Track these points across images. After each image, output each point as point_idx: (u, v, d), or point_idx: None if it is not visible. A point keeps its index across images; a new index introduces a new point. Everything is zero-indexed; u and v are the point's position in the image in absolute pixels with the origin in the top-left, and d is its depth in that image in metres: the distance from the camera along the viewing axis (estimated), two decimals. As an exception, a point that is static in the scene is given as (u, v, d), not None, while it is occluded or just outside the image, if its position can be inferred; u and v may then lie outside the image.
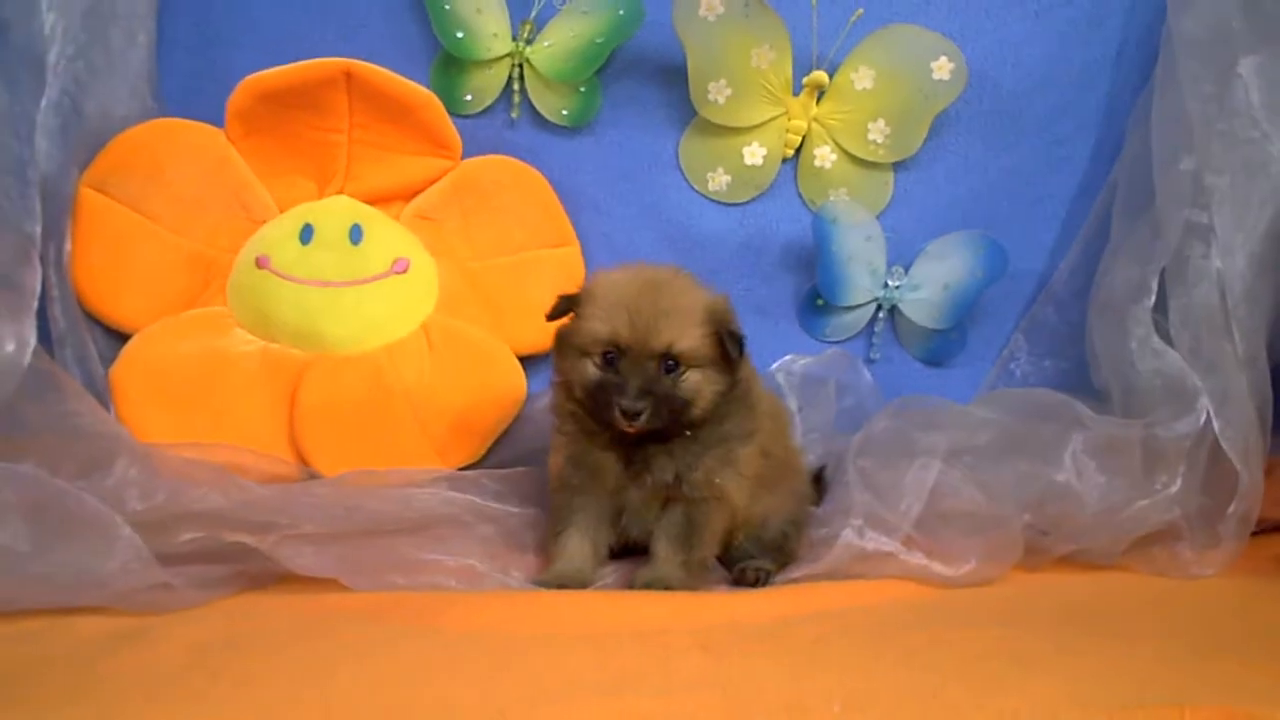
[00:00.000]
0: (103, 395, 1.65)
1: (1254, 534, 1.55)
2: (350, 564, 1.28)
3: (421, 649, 1.08)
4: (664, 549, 1.39)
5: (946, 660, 1.07)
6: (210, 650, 1.06)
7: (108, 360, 1.69)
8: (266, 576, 1.27)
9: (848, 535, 1.38)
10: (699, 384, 1.34)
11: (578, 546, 1.42)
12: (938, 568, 1.39)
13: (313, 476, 1.66)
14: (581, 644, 1.10)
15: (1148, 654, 1.10)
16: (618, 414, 1.30)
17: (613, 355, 1.33)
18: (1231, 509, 1.52)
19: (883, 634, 1.16)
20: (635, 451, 1.37)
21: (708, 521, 1.40)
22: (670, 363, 1.32)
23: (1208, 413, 1.54)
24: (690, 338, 1.32)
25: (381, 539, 1.37)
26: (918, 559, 1.39)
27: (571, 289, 1.40)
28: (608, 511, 1.43)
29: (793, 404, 1.82)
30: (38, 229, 1.51)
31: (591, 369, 1.34)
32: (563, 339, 1.39)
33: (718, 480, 1.38)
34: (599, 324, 1.32)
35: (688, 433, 1.36)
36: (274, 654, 1.05)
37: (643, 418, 1.29)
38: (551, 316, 1.38)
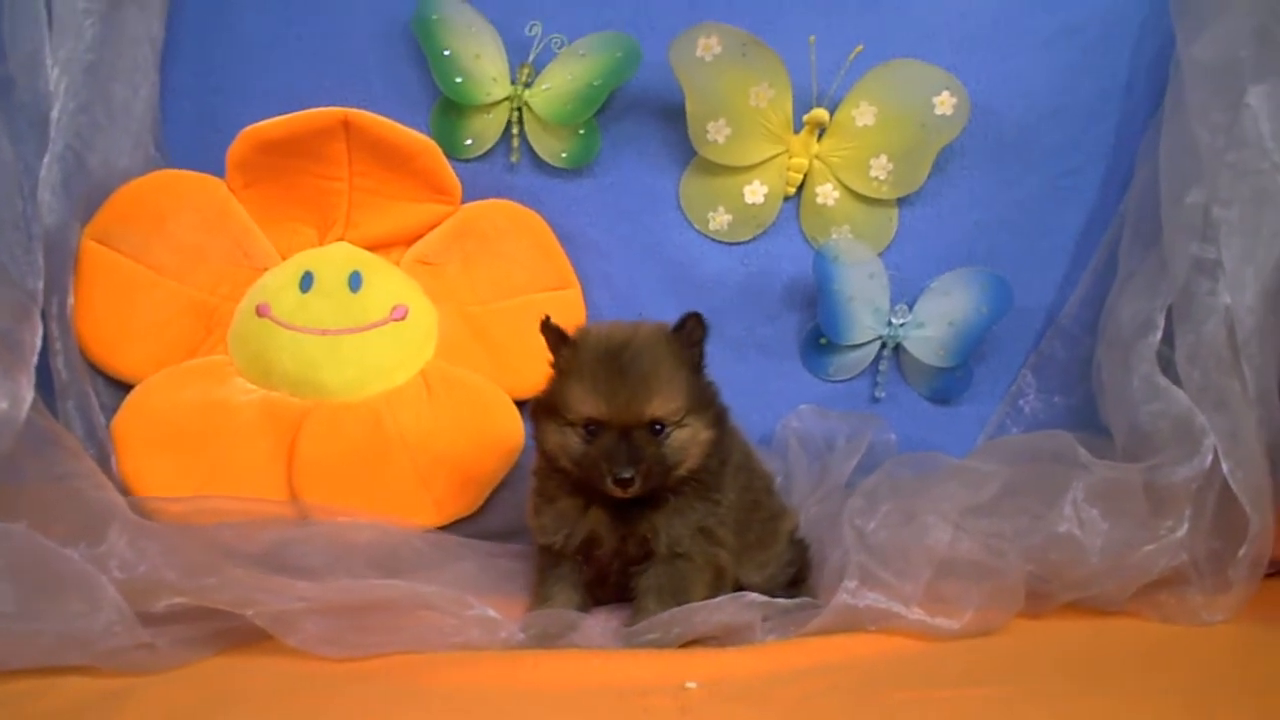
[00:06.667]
0: (105, 446, 1.66)
1: (1265, 577, 1.50)
2: (332, 639, 1.25)
3: (406, 714, 1.08)
4: (651, 604, 1.36)
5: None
6: (192, 717, 1.06)
7: (110, 410, 1.70)
8: (251, 632, 1.25)
9: (842, 598, 1.34)
10: (686, 441, 1.33)
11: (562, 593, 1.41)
12: (939, 622, 1.35)
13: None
14: (563, 707, 1.10)
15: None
16: (610, 483, 1.29)
17: (594, 428, 1.31)
18: (1242, 552, 1.47)
19: (868, 694, 1.14)
20: (621, 512, 1.36)
21: (693, 580, 1.36)
22: (656, 426, 1.31)
23: (1215, 453, 1.49)
24: (670, 400, 1.31)
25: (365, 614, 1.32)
26: (917, 615, 1.35)
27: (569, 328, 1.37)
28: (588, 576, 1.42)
29: (803, 462, 1.78)
30: (40, 284, 1.53)
31: (576, 441, 1.33)
32: (542, 407, 1.37)
33: (699, 529, 1.37)
34: (578, 402, 1.31)
35: (684, 488, 1.35)
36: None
37: (635, 484, 1.28)
38: (549, 337, 1.36)
